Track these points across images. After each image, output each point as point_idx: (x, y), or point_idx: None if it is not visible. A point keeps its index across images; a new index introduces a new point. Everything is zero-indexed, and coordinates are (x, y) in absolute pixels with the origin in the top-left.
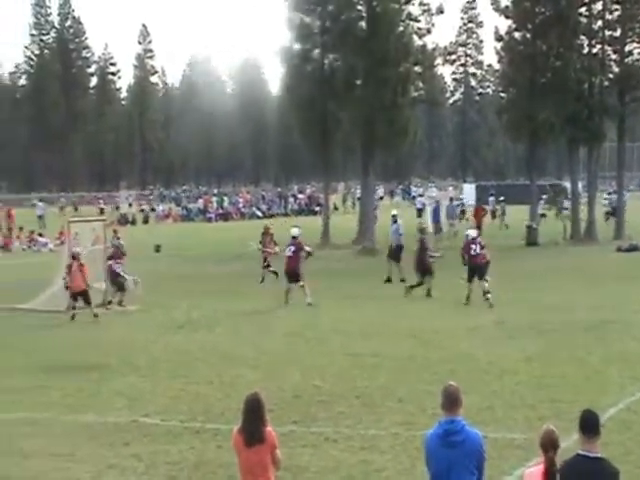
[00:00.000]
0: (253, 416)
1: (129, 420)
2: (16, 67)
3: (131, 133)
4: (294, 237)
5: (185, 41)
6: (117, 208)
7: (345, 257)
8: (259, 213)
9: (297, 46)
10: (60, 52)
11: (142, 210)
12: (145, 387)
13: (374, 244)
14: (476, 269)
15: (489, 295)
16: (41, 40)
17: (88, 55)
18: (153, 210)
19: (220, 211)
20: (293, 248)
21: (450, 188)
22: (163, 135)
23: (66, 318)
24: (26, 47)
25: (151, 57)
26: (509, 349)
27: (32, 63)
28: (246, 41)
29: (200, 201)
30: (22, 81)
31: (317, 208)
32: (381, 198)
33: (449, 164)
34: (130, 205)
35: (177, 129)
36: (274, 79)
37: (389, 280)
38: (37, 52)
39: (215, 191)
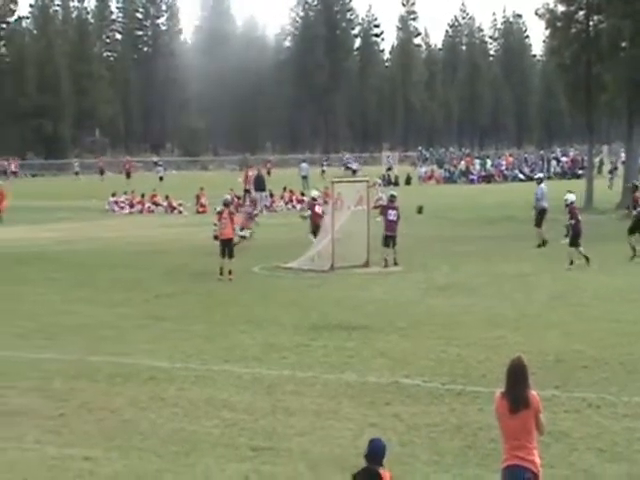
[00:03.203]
0: (517, 380)
1: (390, 380)
2: (281, 29)
3: (394, 94)
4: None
5: (448, 2)
6: (354, 172)
7: (608, 222)
8: (521, 176)
9: (561, 8)
10: (325, 14)
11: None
12: (406, 348)
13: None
14: (581, 234)
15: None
16: (306, 2)
17: (352, 17)
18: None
19: (482, 173)
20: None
21: None
22: (426, 96)
23: (328, 277)
24: (291, 9)
25: (414, 19)
26: None
27: (297, 25)
28: (509, 3)
29: (462, 163)
30: (287, 43)
31: (580, 171)
32: None
33: None
34: (390, 168)
35: (439, 91)
36: (537, 41)
37: (541, 245)
38: (302, 14)
39: (477, 153)
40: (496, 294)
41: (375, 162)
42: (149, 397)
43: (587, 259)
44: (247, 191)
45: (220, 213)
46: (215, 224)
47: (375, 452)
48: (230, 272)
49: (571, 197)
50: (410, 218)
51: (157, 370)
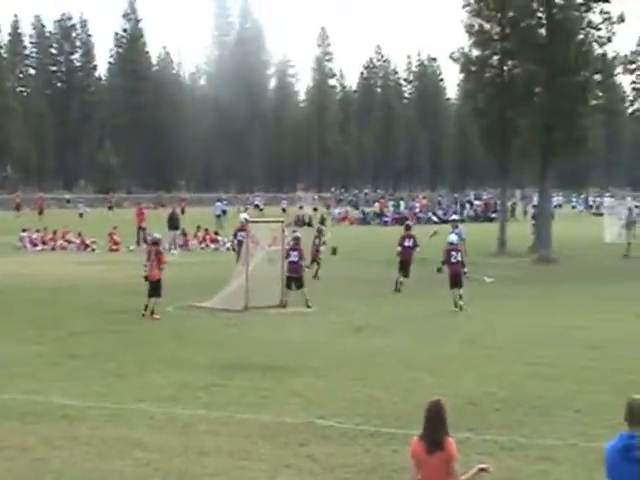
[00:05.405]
0: (434, 423)
1: (305, 421)
2: (196, 68)
3: (309, 135)
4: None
5: (363, 44)
6: (283, 210)
7: (521, 265)
8: (435, 218)
9: (476, 52)
10: (239, 53)
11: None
12: (321, 389)
13: (550, 252)
14: (454, 277)
15: (462, 303)
16: (221, 41)
17: (267, 58)
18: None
19: (396, 215)
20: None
21: (629, 199)
22: (341, 138)
23: (242, 317)
24: (206, 47)
25: (330, 60)
26: None
27: (212, 64)
28: (424, 46)
29: (376, 204)
30: (202, 82)
31: (493, 215)
32: (559, 206)
33: (628, 174)
34: (301, 207)
35: (354, 132)
36: (452, 85)
37: None
38: (217, 53)
39: (391, 195)
40: (411, 335)
41: (291, 202)
42: (62, 436)
43: (455, 305)
44: (141, 229)
45: (149, 253)
46: (145, 265)
47: None
48: (152, 312)
49: (453, 239)
50: (325, 259)
51: (70, 408)
